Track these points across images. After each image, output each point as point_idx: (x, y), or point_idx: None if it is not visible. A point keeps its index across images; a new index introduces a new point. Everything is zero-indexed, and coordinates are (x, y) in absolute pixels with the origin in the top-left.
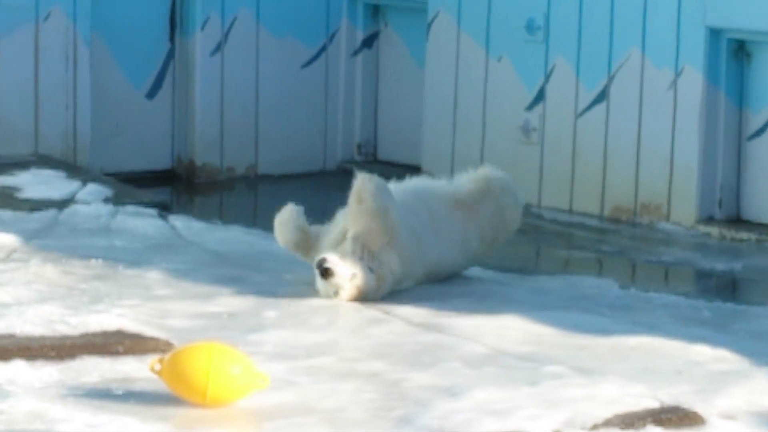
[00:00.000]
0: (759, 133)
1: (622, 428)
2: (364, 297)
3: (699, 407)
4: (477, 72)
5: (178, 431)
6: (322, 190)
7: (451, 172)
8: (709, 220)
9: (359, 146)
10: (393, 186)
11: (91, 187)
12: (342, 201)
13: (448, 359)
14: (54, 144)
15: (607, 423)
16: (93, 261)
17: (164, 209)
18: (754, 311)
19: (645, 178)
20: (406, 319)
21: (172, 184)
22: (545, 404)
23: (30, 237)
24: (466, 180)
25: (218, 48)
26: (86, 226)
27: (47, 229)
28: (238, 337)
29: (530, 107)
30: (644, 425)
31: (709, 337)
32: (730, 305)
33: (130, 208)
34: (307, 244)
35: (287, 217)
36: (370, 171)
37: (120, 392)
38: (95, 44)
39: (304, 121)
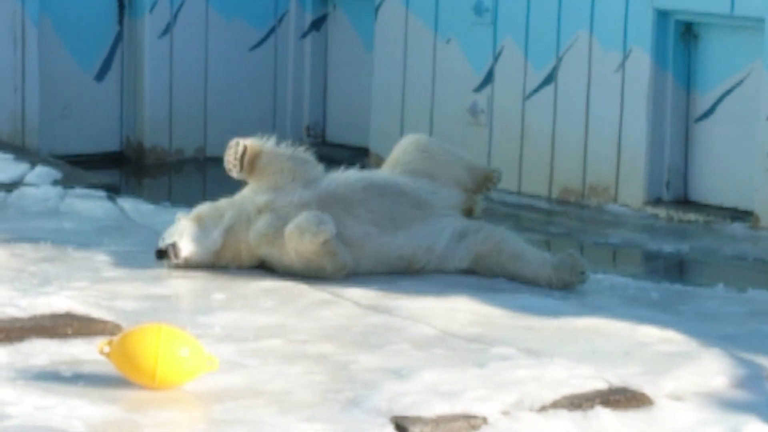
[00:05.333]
0: (706, 114)
1: (571, 410)
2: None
3: (647, 388)
4: (425, 54)
5: (127, 413)
6: None
7: None
8: (657, 201)
9: (308, 128)
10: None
11: (40, 170)
12: None
13: (397, 341)
14: (2, 126)
15: (556, 404)
16: (42, 243)
17: (113, 191)
18: (701, 292)
19: (593, 159)
20: (355, 301)
21: (120, 167)
22: (493, 386)
23: None
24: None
25: (167, 30)
26: (35, 208)
27: None
28: (187, 319)
29: (479, 89)
30: (592, 406)
31: (656, 318)
32: (677, 286)
33: (79, 190)
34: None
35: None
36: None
37: (69, 374)
38: (43, 26)
39: (252, 103)
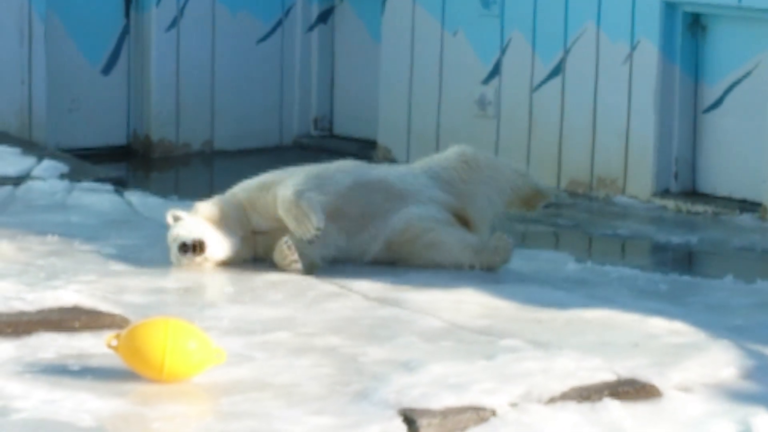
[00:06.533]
0: (714, 106)
1: (579, 401)
2: None
3: (655, 380)
4: (433, 46)
5: (135, 407)
6: (278, 165)
7: (407, 146)
8: (665, 193)
9: (315, 121)
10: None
11: (47, 164)
12: None
13: (405, 333)
14: (9, 120)
15: (564, 396)
16: (49, 237)
17: (120, 185)
18: (709, 284)
19: (601, 151)
20: (363, 293)
21: (127, 160)
22: (502, 378)
23: None
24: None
25: (174, 23)
26: (42, 202)
27: (3, 205)
28: (195, 312)
29: (486, 81)
30: (601, 398)
31: (665, 309)
32: (686, 278)
33: (86, 184)
34: None
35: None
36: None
37: (77, 368)
38: (50, 20)
39: (260, 96)
